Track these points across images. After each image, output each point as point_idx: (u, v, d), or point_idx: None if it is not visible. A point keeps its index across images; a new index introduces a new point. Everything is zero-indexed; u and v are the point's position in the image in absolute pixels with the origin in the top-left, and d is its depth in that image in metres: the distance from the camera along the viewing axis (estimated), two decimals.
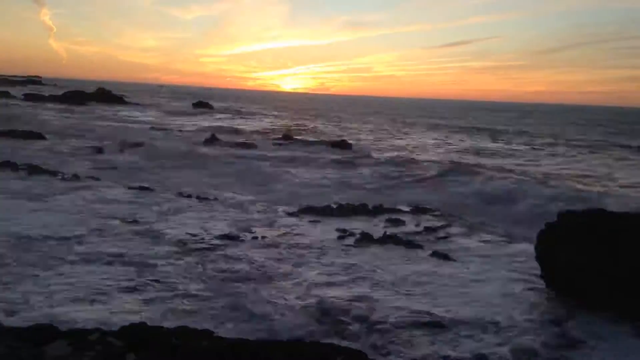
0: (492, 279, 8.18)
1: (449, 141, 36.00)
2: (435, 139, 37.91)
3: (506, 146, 33.99)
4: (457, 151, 29.21)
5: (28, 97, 53.68)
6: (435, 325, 6.29)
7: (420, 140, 36.32)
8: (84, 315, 5.95)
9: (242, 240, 9.54)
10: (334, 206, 12.70)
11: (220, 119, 46.83)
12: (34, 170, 14.75)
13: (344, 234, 10.33)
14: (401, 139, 37.01)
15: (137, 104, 60.04)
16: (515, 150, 31.82)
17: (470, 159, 25.26)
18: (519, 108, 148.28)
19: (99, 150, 21.48)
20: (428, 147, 31.05)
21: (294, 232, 10.48)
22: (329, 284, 7.58)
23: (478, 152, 29.08)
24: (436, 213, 12.97)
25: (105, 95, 60.47)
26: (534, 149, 32.82)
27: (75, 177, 14.47)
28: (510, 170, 20.88)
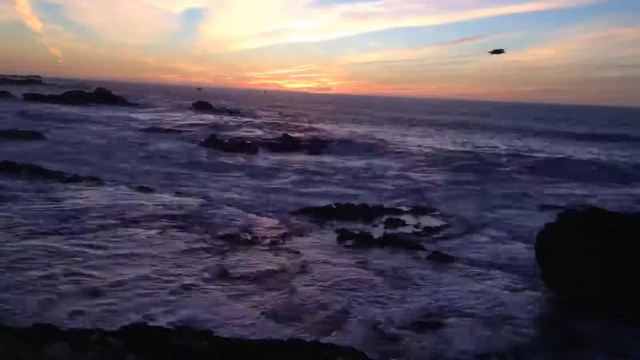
0: (492, 278, 8.19)
1: None
2: None
3: None
4: None
5: (28, 97, 53.69)
6: (435, 325, 6.30)
7: None
8: None
9: (242, 240, 9.54)
10: (334, 206, 12.69)
11: (220, 118, 46.81)
12: (34, 170, 14.71)
13: (344, 234, 10.32)
14: None
15: (137, 104, 60.04)
16: None
17: None
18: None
19: (99, 150, 21.47)
20: None
21: (294, 232, 10.47)
22: (329, 285, 7.58)
23: None
24: (436, 213, 12.98)
25: (106, 95, 60.47)
26: None
27: (76, 177, 14.45)
28: None
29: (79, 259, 7.81)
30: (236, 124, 41.12)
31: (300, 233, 10.43)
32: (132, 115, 43.50)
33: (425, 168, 22.02)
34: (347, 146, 28.02)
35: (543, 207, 14.01)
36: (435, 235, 10.82)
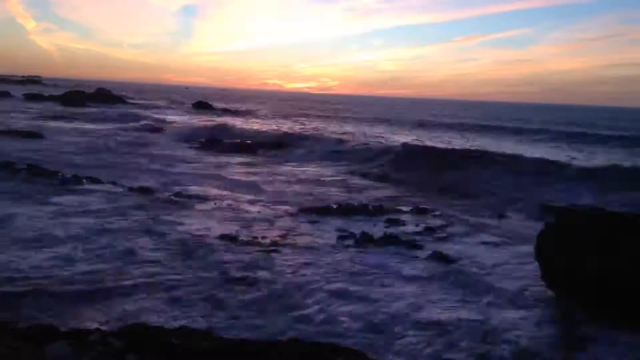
0: (491, 279, 8.18)
1: None
2: None
3: None
4: None
5: (28, 97, 53.79)
6: (435, 325, 6.29)
7: None
8: None
9: (243, 241, 9.53)
10: (334, 206, 12.70)
11: (219, 119, 46.80)
12: (33, 170, 14.70)
13: (344, 234, 10.32)
14: None
15: (137, 104, 60.10)
16: None
17: None
18: None
19: (100, 151, 21.48)
20: None
21: (294, 232, 10.47)
22: (329, 285, 7.57)
23: None
24: (436, 213, 12.98)
25: (106, 95, 60.65)
26: None
27: (75, 177, 14.42)
28: None
29: None
30: (235, 123, 41.02)
31: (300, 233, 10.43)
32: (132, 115, 43.53)
33: None
34: None
35: (543, 208, 13.99)
36: (435, 235, 10.82)
